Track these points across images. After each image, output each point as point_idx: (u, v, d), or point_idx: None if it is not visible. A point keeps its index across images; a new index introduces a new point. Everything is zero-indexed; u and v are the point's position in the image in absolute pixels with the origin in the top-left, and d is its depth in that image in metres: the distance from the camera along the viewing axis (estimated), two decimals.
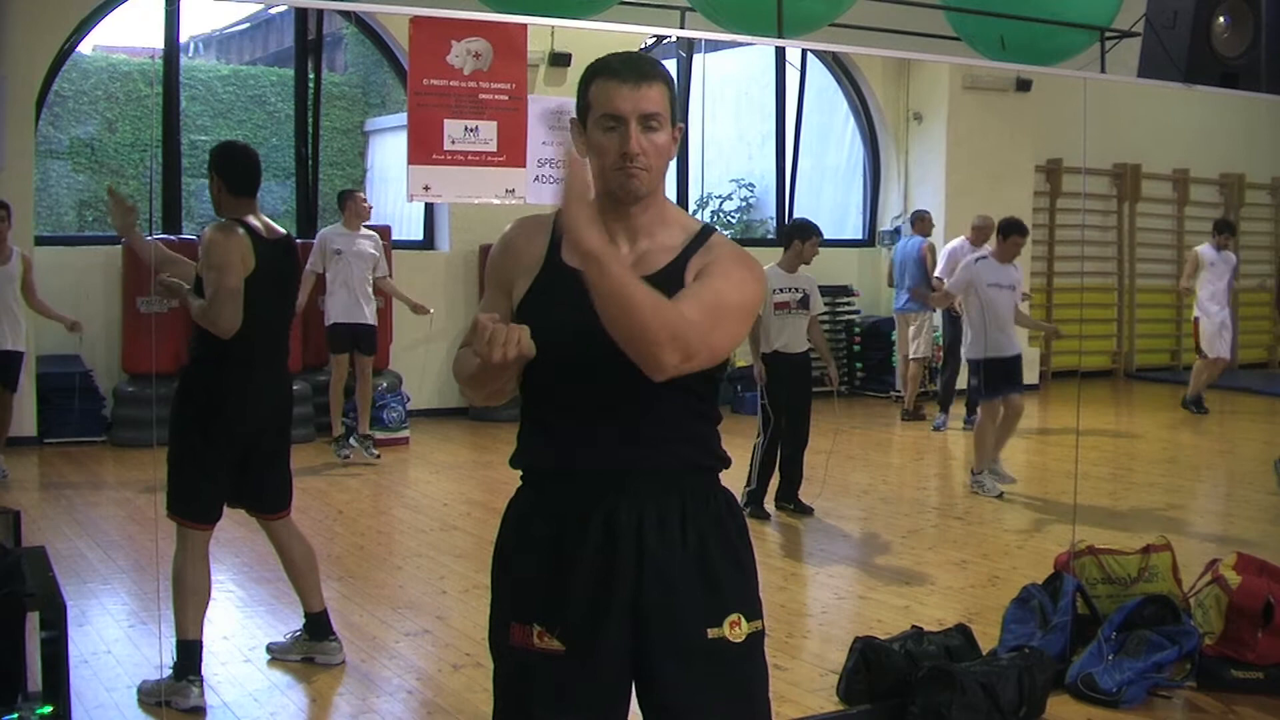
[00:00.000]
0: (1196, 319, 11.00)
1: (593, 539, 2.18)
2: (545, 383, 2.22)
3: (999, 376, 7.64)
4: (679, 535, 2.20)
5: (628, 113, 2.15)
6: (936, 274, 10.48)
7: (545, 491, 2.25)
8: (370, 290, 8.55)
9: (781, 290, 7.04)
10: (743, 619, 2.23)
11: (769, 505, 7.29)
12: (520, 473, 2.32)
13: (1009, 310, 7.67)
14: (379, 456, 8.69)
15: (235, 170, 4.31)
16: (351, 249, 8.44)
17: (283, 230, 4.43)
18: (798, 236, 7.19)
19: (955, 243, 10.61)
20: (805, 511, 7.28)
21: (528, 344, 2.00)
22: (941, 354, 11.10)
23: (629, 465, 2.19)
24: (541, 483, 2.27)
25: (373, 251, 8.58)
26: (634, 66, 2.18)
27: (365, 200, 8.78)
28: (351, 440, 8.69)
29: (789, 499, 7.32)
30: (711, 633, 2.20)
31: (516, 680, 2.24)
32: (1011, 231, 7.76)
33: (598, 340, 2.09)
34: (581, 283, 2.07)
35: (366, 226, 9.14)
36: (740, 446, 6.98)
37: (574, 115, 2.25)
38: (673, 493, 2.21)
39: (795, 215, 12.63)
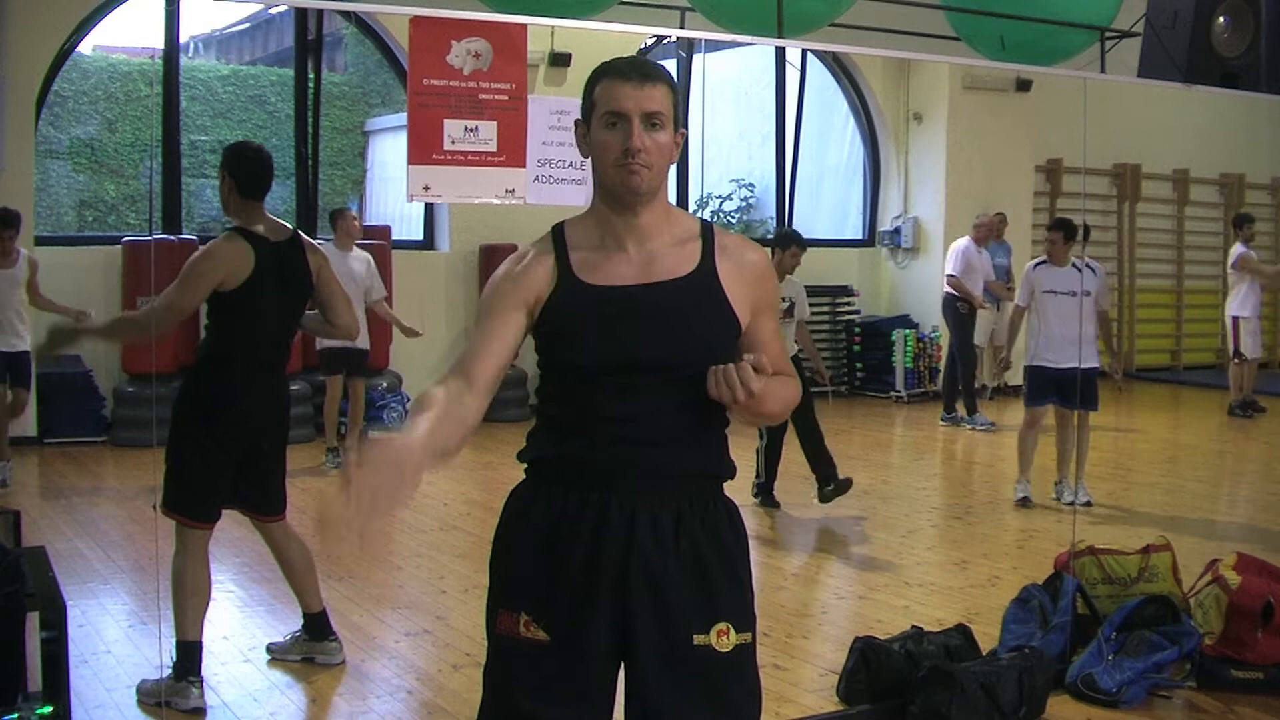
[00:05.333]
0: (1235, 319, 10.90)
1: (584, 534, 2.19)
2: (564, 388, 2.25)
3: (1044, 386, 7.35)
4: (671, 538, 2.20)
5: (631, 110, 2.17)
6: (949, 271, 10.51)
7: (545, 484, 2.26)
8: (364, 312, 8.42)
9: None
10: (731, 629, 2.22)
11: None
12: (525, 466, 2.33)
13: (1068, 320, 7.12)
14: None
15: (248, 172, 4.30)
16: (341, 269, 8.28)
17: (289, 227, 4.42)
18: (778, 245, 7.28)
19: (960, 243, 10.65)
20: (772, 506, 7.39)
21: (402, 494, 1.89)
22: (942, 354, 11.13)
23: (628, 465, 2.20)
24: (542, 475, 2.28)
25: (363, 273, 8.44)
26: (638, 67, 2.22)
27: (356, 219, 8.67)
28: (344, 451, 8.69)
29: (764, 491, 7.41)
30: (698, 639, 2.19)
31: (501, 667, 2.26)
32: (1053, 229, 7.51)
33: (618, 352, 2.18)
34: (600, 297, 2.18)
35: (366, 227, 9.12)
36: (741, 447, 6.99)
37: (578, 117, 2.27)
38: (670, 496, 2.22)
39: (795, 215, 12.70)
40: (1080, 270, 7.28)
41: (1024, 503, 7.49)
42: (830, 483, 7.33)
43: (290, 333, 4.49)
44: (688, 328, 2.21)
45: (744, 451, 7.07)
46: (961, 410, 10.53)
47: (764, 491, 7.34)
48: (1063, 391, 7.25)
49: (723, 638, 2.21)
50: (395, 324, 8.74)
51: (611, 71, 2.21)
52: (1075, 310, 7.09)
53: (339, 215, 8.65)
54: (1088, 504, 7.39)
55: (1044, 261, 7.50)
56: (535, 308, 2.24)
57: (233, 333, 4.27)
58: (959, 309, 10.41)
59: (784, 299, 7.17)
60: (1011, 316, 7.92)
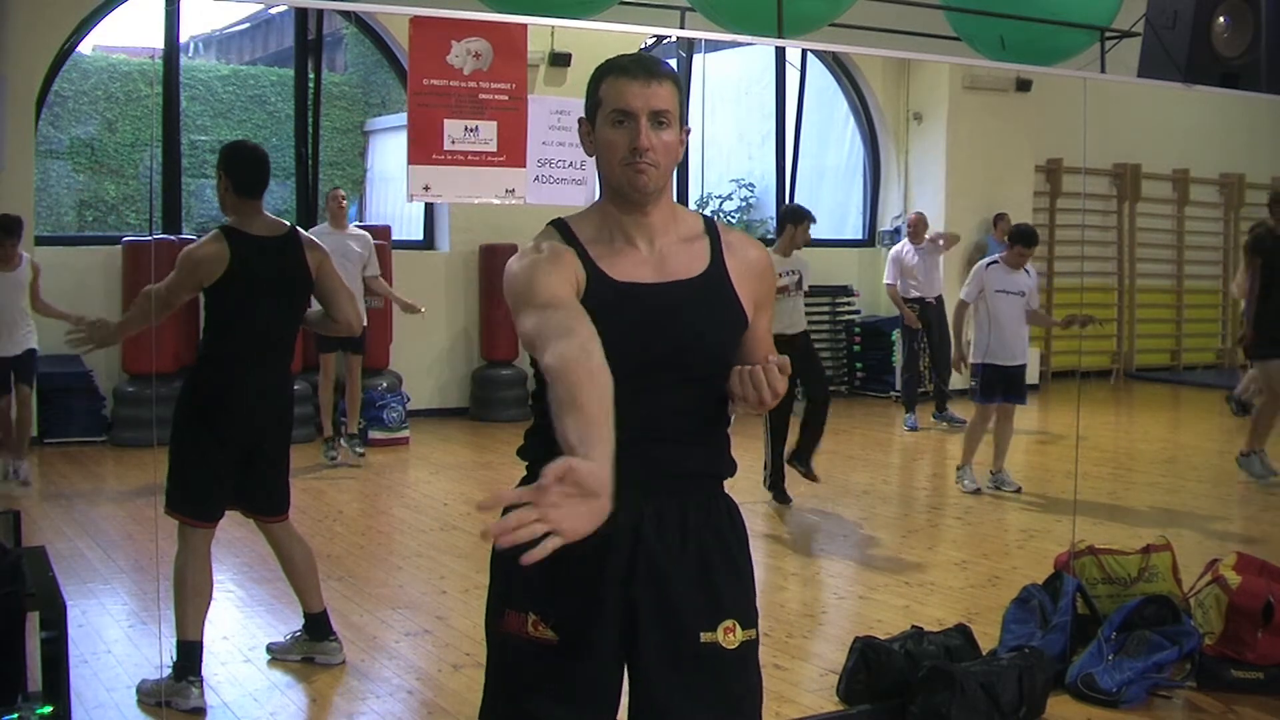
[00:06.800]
0: None
1: (590, 535, 2.18)
2: None
3: (996, 383, 7.67)
4: (677, 537, 2.20)
5: (638, 109, 2.16)
6: (886, 280, 10.50)
7: None
8: (361, 290, 8.44)
9: (780, 275, 7.21)
10: (737, 626, 2.23)
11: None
12: (526, 465, 2.32)
13: (1016, 319, 7.63)
14: (363, 455, 8.66)
15: (244, 171, 4.30)
16: (338, 247, 8.30)
17: (287, 224, 4.42)
18: (790, 221, 7.50)
19: (897, 247, 10.64)
20: (811, 478, 7.47)
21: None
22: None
23: (635, 465, 2.18)
24: None
25: (360, 250, 8.49)
26: (644, 65, 2.21)
27: (342, 196, 8.71)
28: (341, 440, 8.68)
29: (802, 460, 7.46)
30: (705, 637, 2.20)
31: (507, 667, 2.25)
32: (1017, 241, 7.74)
33: (639, 351, 2.16)
34: (626, 293, 2.17)
35: (367, 227, 9.11)
36: (741, 447, 6.99)
37: (583, 115, 2.26)
38: (675, 495, 2.22)
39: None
40: (1029, 272, 7.76)
41: (976, 493, 7.74)
42: (802, 464, 7.45)
43: (290, 331, 4.48)
44: (705, 328, 2.21)
45: (745, 451, 7.07)
46: (913, 412, 10.60)
47: (774, 486, 7.40)
48: (1010, 388, 7.68)
49: (729, 635, 2.21)
50: (394, 299, 8.76)
51: (617, 69, 2.20)
52: (1021, 310, 7.65)
53: (328, 196, 8.80)
54: (1018, 490, 7.78)
55: (995, 262, 7.78)
56: (578, 293, 2.17)
57: (229, 331, 4.27)
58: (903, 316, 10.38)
59: (793, 271, 7.34)
60: (957, 311, 8.01)
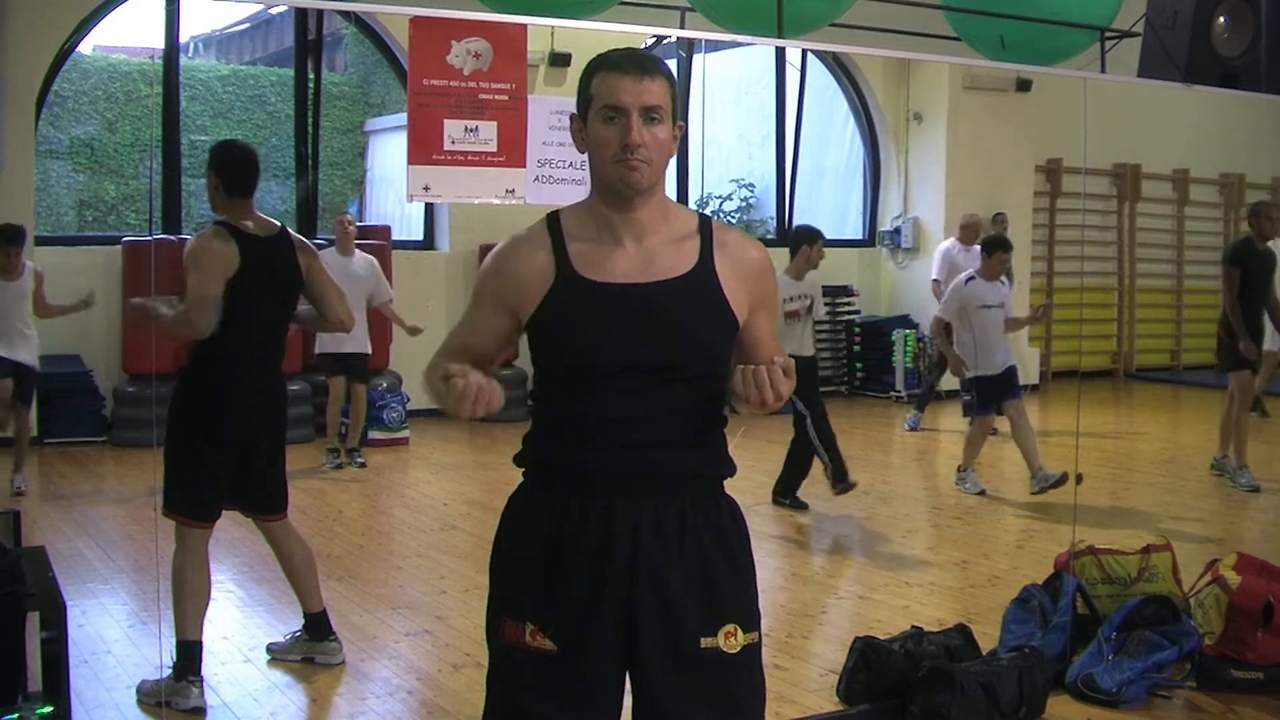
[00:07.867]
0: None
1: (588, 539, 2.17)
2: (559, 390, 2.22)
3: (990, 393, 7.67)
4: (676, 540, 2.19)
5: (629, 104, 2.15)
6: (934, 276, 10.48)
7: (545, 491, 2.24)
8: (365, 316, 8.23)
9: (792, 299, 7.17)
10: (739, 630, 2.21)
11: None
12: (522, 470, 2.31)
13: (998, 330, 7.63)
14: (364, 465, 8.65)
15: (233, 170, 4.31)
16: (343, 274, 7.90)
17: (278, 224, 4.42)
18: (805, 242, 7.31)
19: (946, 244, 10.63)
20: (800, 508, 7.41)
21: (497, 404, 2.06)
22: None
23: (631, 468, 2.19)
24: (542, 481, 2.26)
25: (365, 276, 8.36)
26: (636, 60, 2.19)
27: (349, 220, 8.57)
28: (342, 451, 8.65)
29: (787, 494, 7.43)
30: (705, 642, 2.18)
31: (508, 675, 2.24)
32: (995, 248, 7.70)
33: (619, 352, 2.15)
34: (601, 294, 2.15)
35: (367, 227, 9.07)
36: (742, 447, 6.97)
37: (574, 111, 2.24)
38: (673, 497, 2.20)
39: (795, 215, 12.70)
40: (1004, 281, 7.76)
41: (982, 494, 7.77)
42: (787, 496, 7.41)
43: (283, 329, 4.50)
44: (687, 328, 2.19)
45: (744, 451, 7.06)
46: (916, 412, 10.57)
47: (790, 492, 7.36)
48: (1004, 391, 7.67)
49: (730, 639, 2.20)
50: (401, 325, 8.71)
51: (608, 65, 2.18)
52: (1001, 320, 7.65)
53: (335, 221, 8.68)
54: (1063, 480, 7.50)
55: (974, 278, 7.71)
56: (528, 306, 2.20)
57: (226, 331, 4.27)
58: None
59: (805, 296, 7.24)
60: (938, 330, 7.90)
